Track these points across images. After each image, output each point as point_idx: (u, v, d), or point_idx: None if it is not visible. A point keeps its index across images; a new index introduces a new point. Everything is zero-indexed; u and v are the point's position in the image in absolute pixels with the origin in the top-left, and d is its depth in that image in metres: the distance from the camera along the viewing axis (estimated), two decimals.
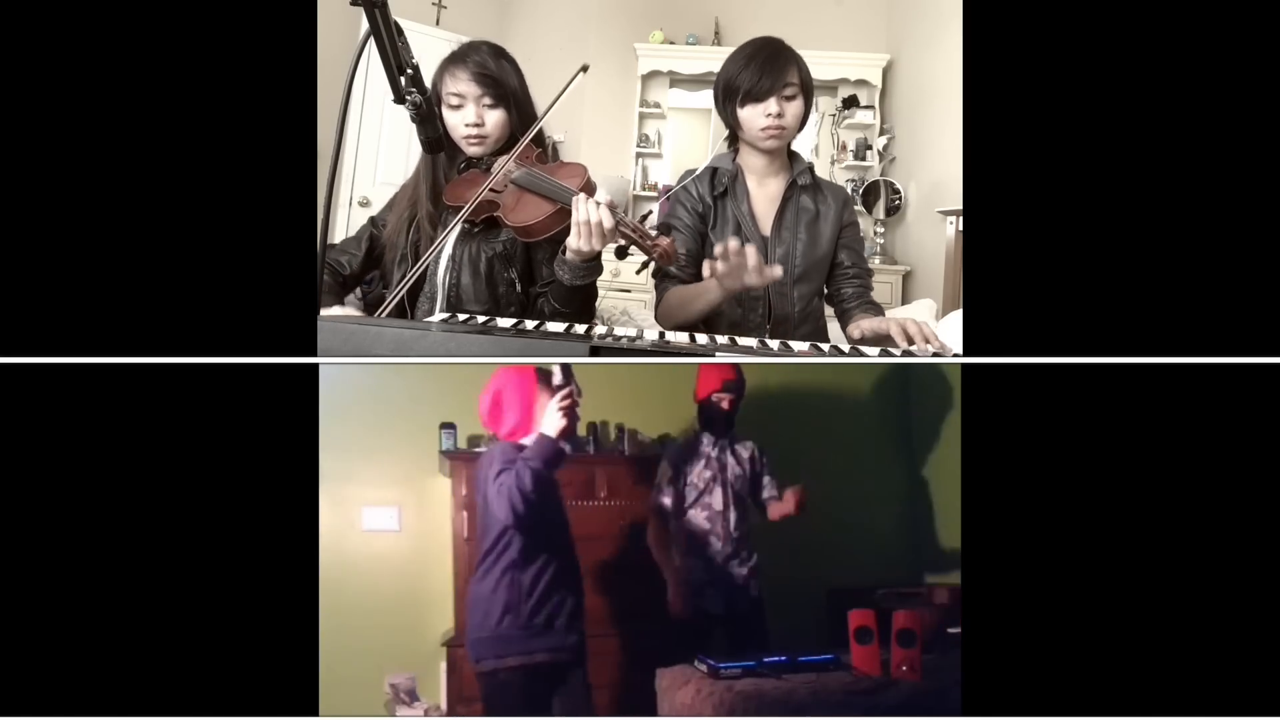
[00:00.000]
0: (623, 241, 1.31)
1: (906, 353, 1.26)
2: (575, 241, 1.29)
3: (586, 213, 1.28)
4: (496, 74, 1.48)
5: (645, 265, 1.36)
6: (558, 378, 1.28)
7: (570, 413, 1.26)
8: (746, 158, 1.65)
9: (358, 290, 1.66)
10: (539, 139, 1.57)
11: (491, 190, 1.41)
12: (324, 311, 1.38)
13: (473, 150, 1.52)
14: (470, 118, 1.47)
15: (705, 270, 1.35)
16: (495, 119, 1.48)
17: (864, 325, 1.47)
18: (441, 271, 1.49)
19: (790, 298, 1.61)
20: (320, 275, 1.25)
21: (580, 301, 1.41)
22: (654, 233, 1.31)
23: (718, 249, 1.33)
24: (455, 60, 1.50)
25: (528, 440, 1.33)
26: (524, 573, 1.32)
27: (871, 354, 1.21)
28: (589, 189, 1.36)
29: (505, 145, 1.51)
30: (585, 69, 1.45)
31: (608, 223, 1.27)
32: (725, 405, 1.62)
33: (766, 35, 1.62)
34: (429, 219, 1.52)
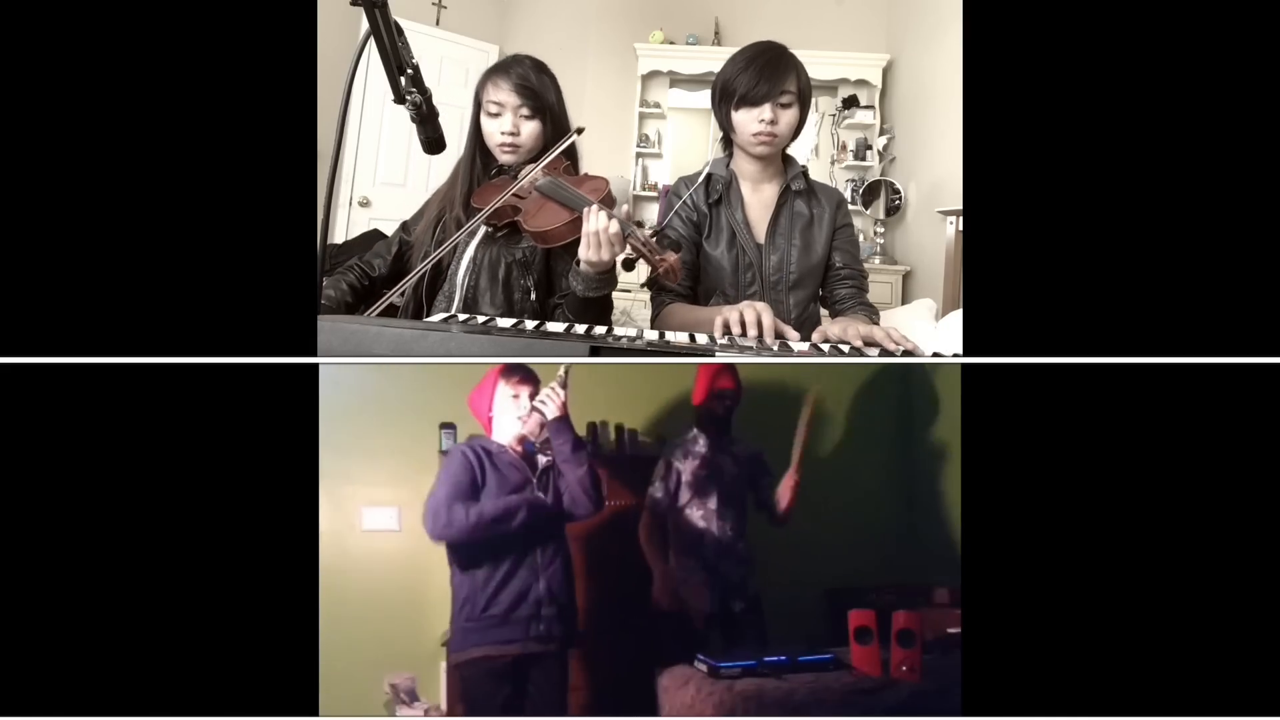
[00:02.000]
0: (631, 254, 1.33)
1: (906, 353, 1.26)
2: (584, 251, 1.31)
3: (595, 223, 1.29)
4: (537, 87, 1.53)
5: (651, 281, 1.37)
6: (558, 378, 1.31)
7: (537, 419, 1.32)
8: (740, 163, 1.64)
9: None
10: (570, 152, 1.60)
11: (517, 196, 1.44)
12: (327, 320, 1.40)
13: (505, 158, 1.56)
14: (507, 126, 1.53)
15: (717, 329, 1.32)
16: (530, 129, 1.53)
17: (830, 331, 1.39)
18: (461, 273, 1.52)
19: (786, 305, 1.60)
20: (320, 275, 1.25)
21: (595, 314, 1.42)
22: (662, 248, 1.33)
23: (731, 317, 1.30)
24: (499, 70, 1.56)
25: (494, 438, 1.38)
26: (480, 569, 1.34)
27: (871, 354, 1.21)
28: (608, 201, 1.39)
29: (538, 155, 1.55)
30: (580, 131, 1.51)
31: (614, 229, 1.28)
32: (721, 412, 1.62)
33: (770, 40, 1.62)
34: (456, 221, 1.55)
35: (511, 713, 1.32)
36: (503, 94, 1.53)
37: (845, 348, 1.25)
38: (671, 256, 1.32)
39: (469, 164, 1.61)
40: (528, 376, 1.37)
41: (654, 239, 1.34)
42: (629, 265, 1.36)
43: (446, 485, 1.34)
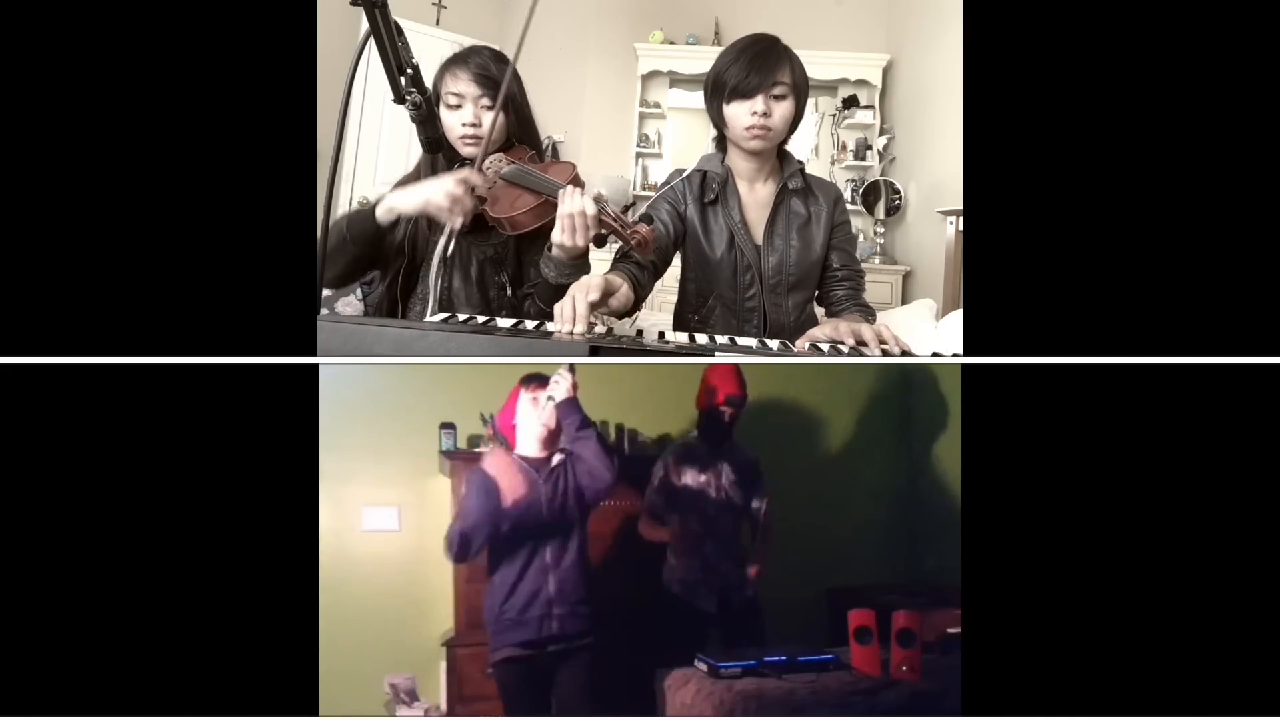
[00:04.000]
0: (603, 230, 1.30)
1: (905, 353, 1.25)
2: (559, 235, 1.28)
3: (571, 204, 1.26)
4: (497, 77, 1.47)
5: (626, 254, 1.34)
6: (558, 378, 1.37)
7: (552, 405, 1.38)
8: (735, 160, 1.60)
9: (358, 290, 1.65)
10: (534, 140, 1.56)
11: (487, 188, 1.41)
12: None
13: (468, 151, 1.52)
14: (468, 118, 1.47)
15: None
16: (492, 121, 1.48)
17: (817, 333, 1.39)
18: (433, 274, 1.49)
19: (785, 307, 1.58)
20: (320, 275, 1.25)
21: None
22: (634, 220, 1.30)
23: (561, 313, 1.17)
24: (457, 61, 1.51)
25: (519, 450, 1.43)
26: (496, 573, 1.40)
27: (872, 354, 1.21)
28: (576, 184, 1.34)
29: (502, 147, 1.51)
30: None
31: (590, 211, 1.26)
32: (727, 419, 1.61)
33: (764, 33, 1.59)
34: (427, 220, 1.52)
35: (543, 709, 1.37)
36: (462, 85, 1.47)
37: (844, 348, 1.25)
38: (644, 228, 1.28)
39: (430, 161, 1.55)
40: (545, 382, 1.43)
41: (626, 213, 1.29)
42: (600, 241, 1.32)
43: (461, 518, 1.40)
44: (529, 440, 1.43)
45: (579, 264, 1.35)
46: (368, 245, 1.45)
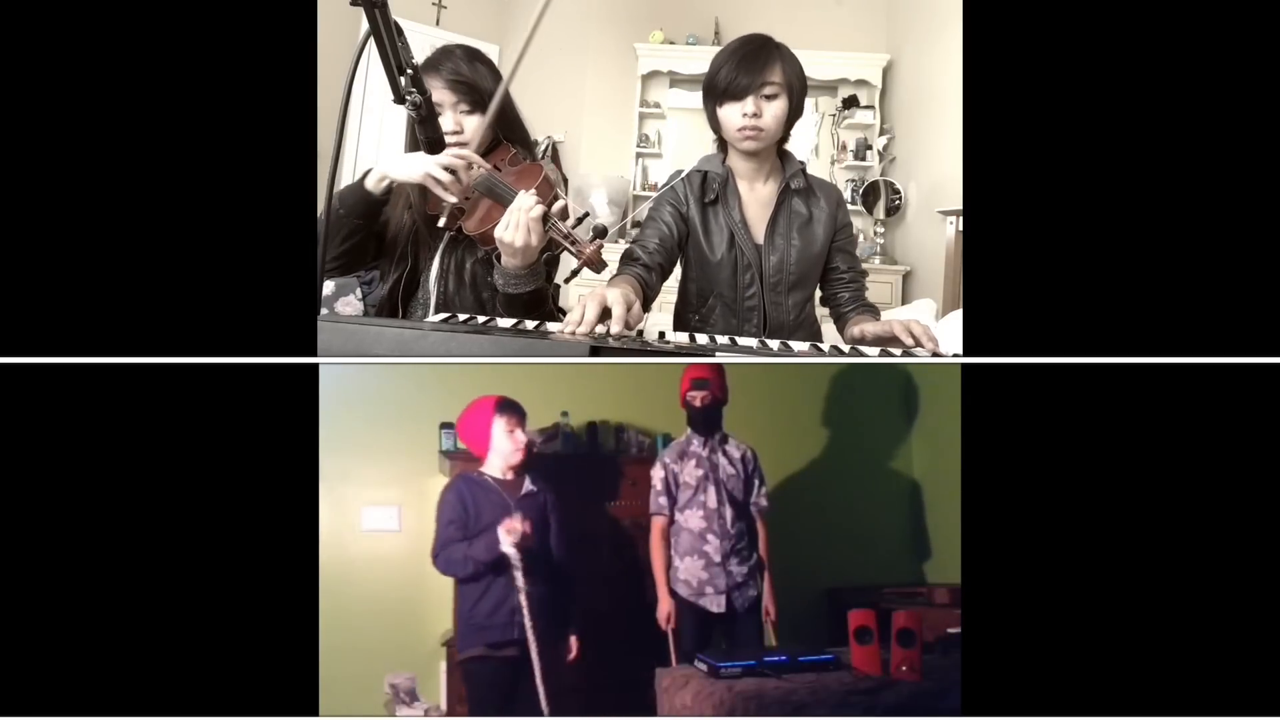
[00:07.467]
0: (554, 248, 1.28)
1: (907, 352, 1.26)
2: (500, 229, 1.26)
3: (518, 201, 1.25)
4: (471, 79, 1.45)
5: (575, 273, 1.31)
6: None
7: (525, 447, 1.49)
8: (735, 161, 1.60)
9: (358, 290, 1.65)
10: (520, 137, 1.54)
11: (465, 198, 1.39)
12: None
13: None
14: (449, 125, 1.44)
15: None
16: (474, 124, 1.45)
17: (868, 330, 1.44)
18: (433, 280, 1.49)
19: (784, 306, 1.58)
20: (320, 275, 1.24)
21: (521, 311, 1.37)
22: (585, 237, 1.27)
23: (571, 316, 1.18)
24: (428, 68, 1.47)
25: (486, 469, 1.52)
26: (465, 584, 1.47)
27: (871, 354, 1.21)
28: (544, 189, 1.32)
29: (488, 149, 1.49)
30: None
31: (535, 212, 1.24)
32: (698, 403, 1.62)
33: (757, 32, 1.58)
34: (425, 222, 1.52)
35: (508, 702, 1.42)
36: (437, 92, 1.42)
37: (846, 347, 1.25)
38: (590, 247, 1.25)
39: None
40: (518, 412, 1.52)
41: (576, 227, 1.27)
42: (551, 260, 1.29)
43: (443, 532, 1.47)
44: (495, 468, 1.51)
45: (528, 275, 1.33)
46: (361, 216, 1.42)
